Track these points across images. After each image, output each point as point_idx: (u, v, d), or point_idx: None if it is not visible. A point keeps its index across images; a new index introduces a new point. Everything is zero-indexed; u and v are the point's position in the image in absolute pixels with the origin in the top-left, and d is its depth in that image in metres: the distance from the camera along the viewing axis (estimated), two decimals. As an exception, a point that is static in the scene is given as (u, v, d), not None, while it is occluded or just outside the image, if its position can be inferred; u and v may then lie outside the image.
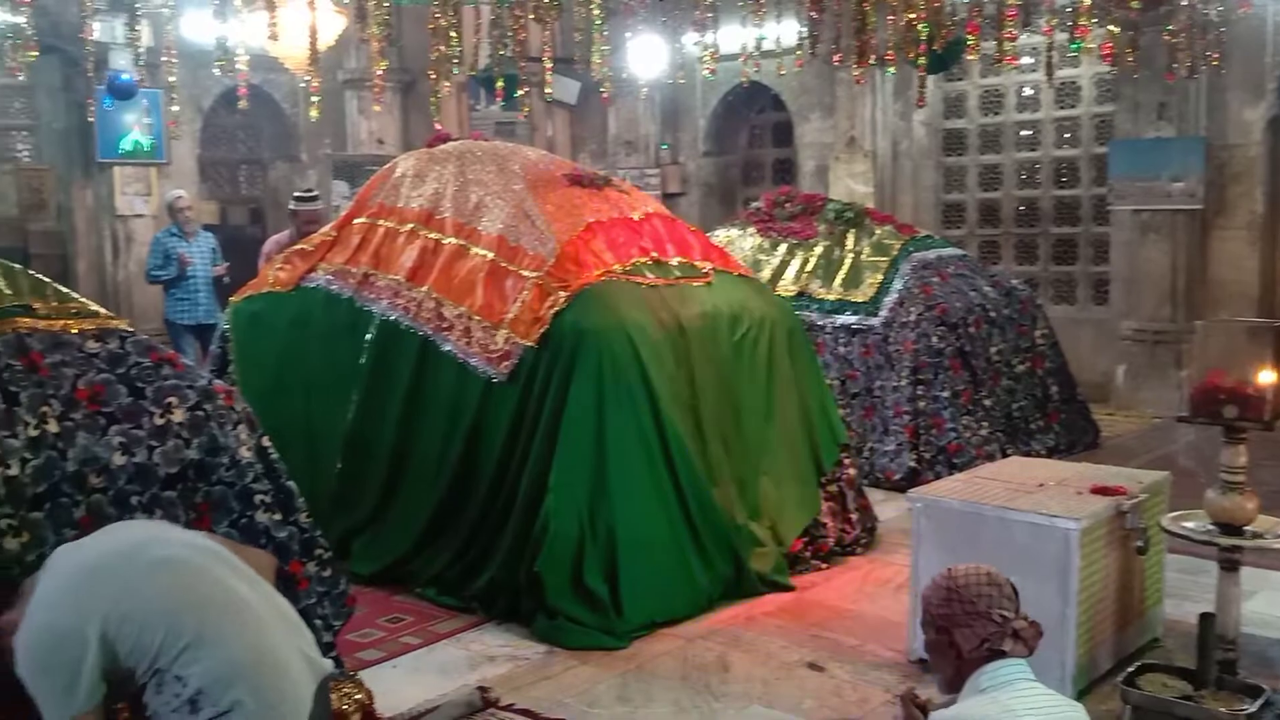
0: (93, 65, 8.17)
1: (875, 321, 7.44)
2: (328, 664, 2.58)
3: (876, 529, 5.99)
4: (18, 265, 3.65)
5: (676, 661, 4.47)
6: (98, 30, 8.57)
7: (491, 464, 5.07)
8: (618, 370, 4.86)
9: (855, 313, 7.54)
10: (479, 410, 5.13)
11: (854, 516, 5.80)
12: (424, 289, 5.53)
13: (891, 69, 7.91)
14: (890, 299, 7.49)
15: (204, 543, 2.68)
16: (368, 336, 5.60)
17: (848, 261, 7.85)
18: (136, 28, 7.44)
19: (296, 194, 8.36)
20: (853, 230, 8.04)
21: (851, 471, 5.92)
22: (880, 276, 7.65)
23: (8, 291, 3.39)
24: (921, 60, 6.90)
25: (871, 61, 6.80)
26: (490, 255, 5.47)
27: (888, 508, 6.30)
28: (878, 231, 8.05)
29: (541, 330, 5.02)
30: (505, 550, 4.90)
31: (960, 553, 3.67)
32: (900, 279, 7.58)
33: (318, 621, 3.48)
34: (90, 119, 10.35)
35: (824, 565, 5.55)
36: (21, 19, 7.22)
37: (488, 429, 5.10)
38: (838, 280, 7.75)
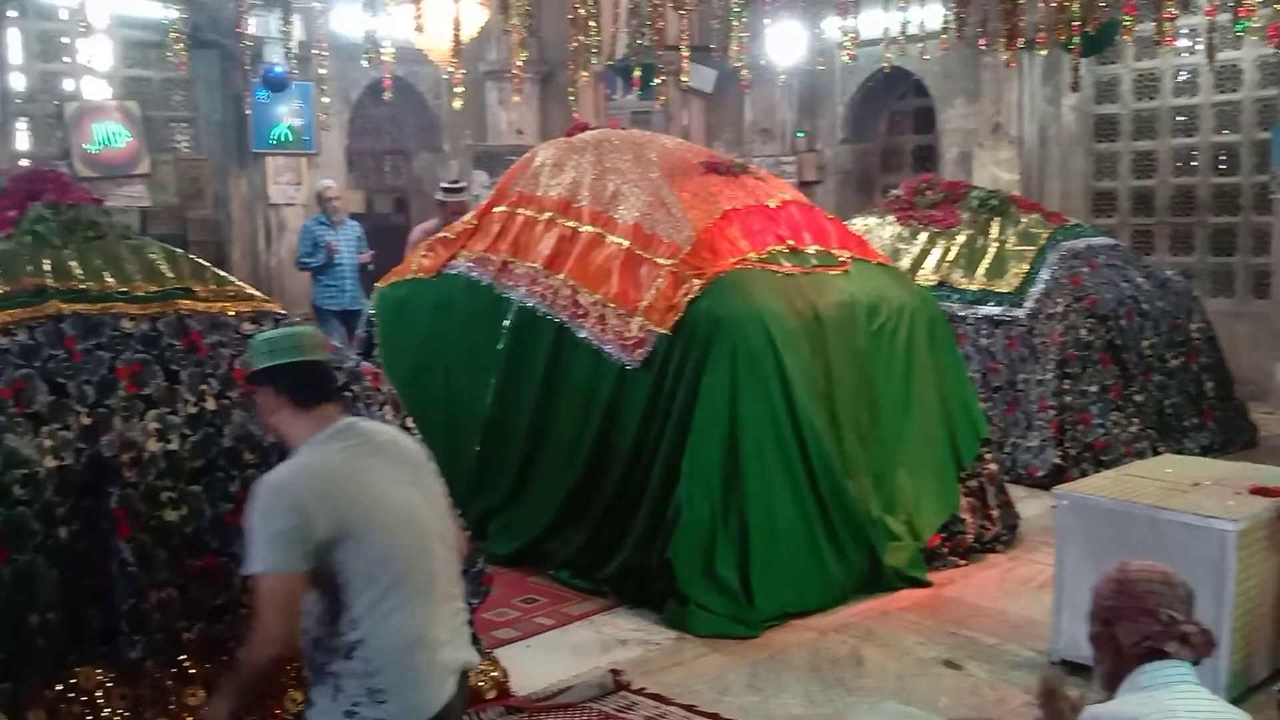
0: (248, 59, 8.51)
1: (1020, 313, 7.21)
2: (475, 657, 2.61)
3: (1018, 526, 5.82)
4: (180, 250, 3.82)
5: (808, 653, 4.43)
6: (253, 25, 8.92)
7: (625, 450, 5.10)
8: (752, 359, 4.83)
9: (999, 303, 7.32)
10: (613, 396, 5.16)
11: (994, 513, 5.65)
12: (561, 276, 5.59)
13: (1043, 51, 7.64)
14: (1036, 289, 7.25)
15: (444, 513, 2.60)
16: (506, 322, 5.70)
17: (992, 251, 7.62)
18: (290, 23, 7.71)
19: (444, 185, 8.55)
20: (997, 218, 7.81)
21: (993, 467, 5.77)
22: (1026, 266, 7.41)
23: (170, 275, 3.56)
24: (1074, 42, 6.65)
25: (1020, 44, 6.57)
26: (626, 243, 5.49)
27: (1030, 505, 6.11)
28: (1024, 220, 7.80)
29: (676, 318, 5.02)
30: (637, 535, 4.93)
31: (1107, 553, 3.53)
32: (1047, 269, 7.32)
33: (456, 599, 3.56)
34: (246, 111, 10.77)
35: (962, 562, 5.42)
36: (180, 14, 7.54)
37: (621, 415, 5.13)
38: (981, 270, 7.54)
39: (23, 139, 10.69)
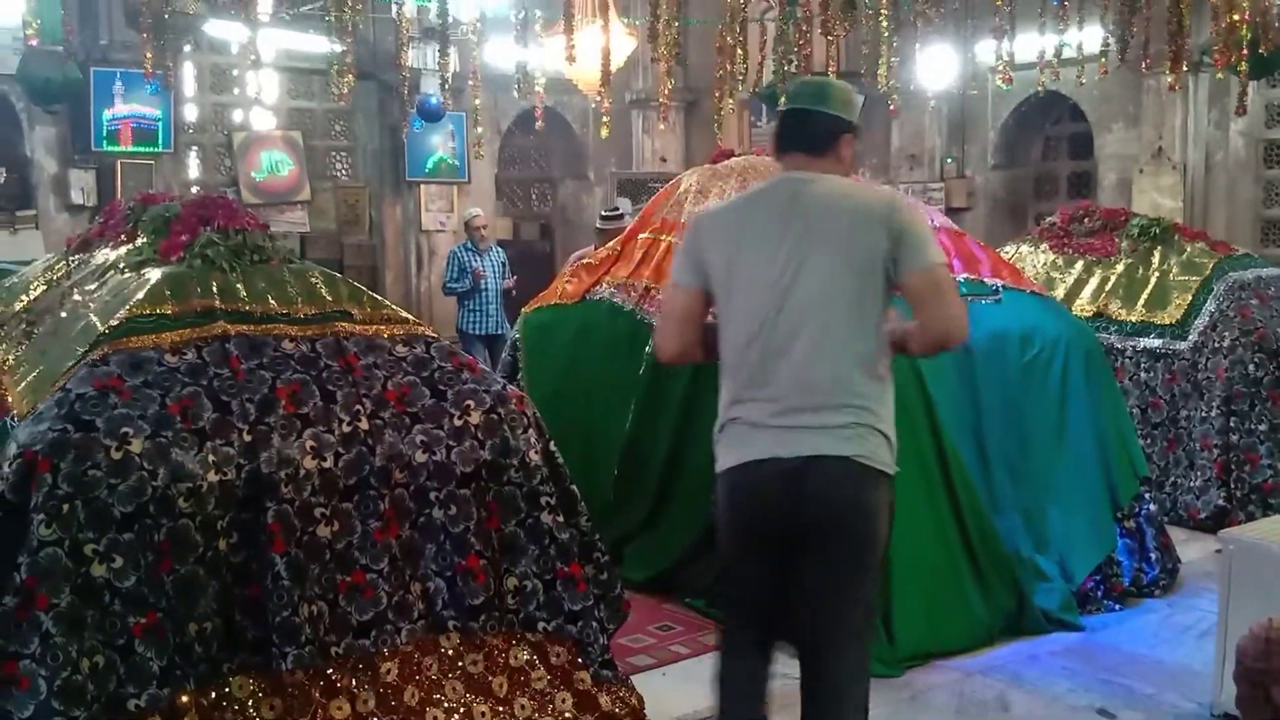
0: (406, 91, 8.82)
1: (1183, 346, 6.88)
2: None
3: (1178, 571, 5.53)
4: (339, 275, 3.96)
5: (951, 695, 4.29)
6: (411, 58, 9.25)
7: (765, 479, 5.03)
8: (898, 389, 4.70)
9: (1160, 335, 7.00)
10: (754, 424, 5.10)
11: (1153, 555, 5.38)
12: (703, 303, 5.57)
13: (1219, 73, 7.30)
14: (1201, 321, 6.90)
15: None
16: (647, 349, 5.71)
17: (1153, 281, 7.30)
18: (446, 56, 7.94)
19: (603, 213, 8.67)
20: (1159, 247, 7.48)
21: (1152, 507, 5.50)
22: (1190, 297, 7.06)
23: (329, 298, 3.69)
24: (1243, 65, 6.35)
25: (1185, 67, 6.31)
26: (770, 270, 5.44)
27: (1191, 548, 5.81)
28: (1188, 249, 7.44)
29: (819, 345, 4.94)
30: (777, 566, 4.86)
31: (1277, 602, 3.32)
32: (1213, 300, 6.97)
33: (594, 624, 3.57)
34: (402, 140, 11.16)
35: (1117, 606, 5.18)
36: (344, 49, 7.86)
37: (763, 444, 5.07)
38: (1141, 300, 7.22)
39: (193, 167, 11.30)
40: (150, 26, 6.80)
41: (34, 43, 6.50)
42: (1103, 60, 7.56)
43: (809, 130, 2.86)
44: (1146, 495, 5.47)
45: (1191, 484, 6.64)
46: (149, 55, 6.83)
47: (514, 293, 9.66)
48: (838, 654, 2.81)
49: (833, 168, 2.87)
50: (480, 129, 10.05)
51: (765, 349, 2.77)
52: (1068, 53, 8.10)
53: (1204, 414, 6.67)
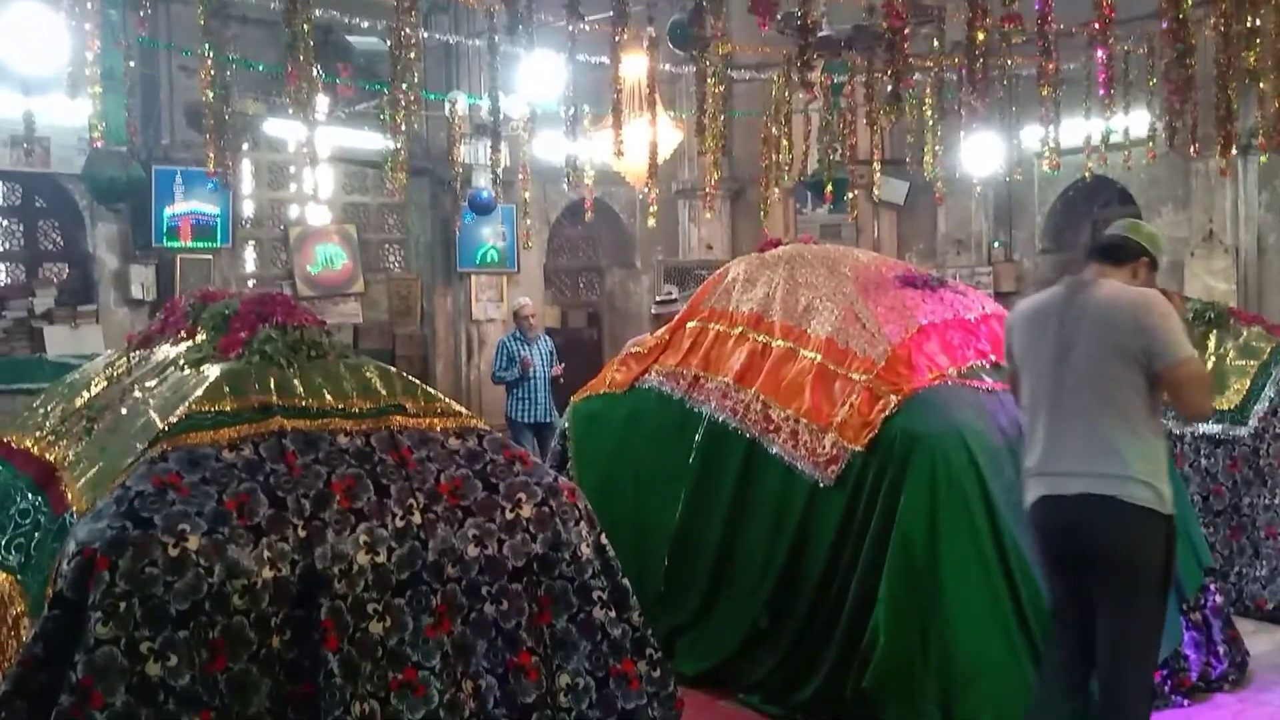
0: (458, 185, 9.01)
1: (1243, 431, 6.73)
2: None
3: (1247, 664, 5.35)
4: (393, 368, 4.01)
5: (1017, 795, 4.13)
6: (463, 154, 9.46)
7: (817, 570, 4.96)
8: (953, 479, 4.66)
9: (1219, 421, 6.86)
10: (805, 514, 5.05)
11: (1221, 649, 5.21)
12: (752, 391, 5.56)
13: (1264, 156, 7.27)
14: (1260, 407, 6.76)
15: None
16: (696, 437, 5.69)
17: (1210, 365, 7.17)
18: (498, 151, 8.10)
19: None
20: (1214, 331, 7.37)
21: (1218, 598, 5.34)
22: (1248, 382, 6.94)
23: (384, 392, 3.73)
24: (1294, 148, 6.32)
25: (1235, 151, 6.29)
26: (819, 357, 5.43)
27: (1260, 640, 5.63)
28: (1244, 333, 7.33)
29: (871, 435, 4.90)
30: (831, 661, 4.76)
31: (1361, 702, 3.20)
32: (1272, 385, 6.83)
33: (647, 722, 3.51)
34: (454, 232, 11.36)
35: (1185, 701, 5.00)
36: (399, 145, 8.06)
37: (814, 534, 5.01)
38: (1197, 386, 7.10)
39: (250, 261, 11.56)
40: (211, 127, 7.02)
41: (99, 144, 6.71)
42: (1150, 145, 7.55)
43: (1117, 248, 3.80)
44: (1212, 586, 5.31)
45: (1258, 573, 6.45)
46: (211, 155, 7.04)
47: (562, 381, 9.70)
48: (1111, 671, 3.48)
49: (1124, 279, 3.68)
50: (530, 220, 10.24)
51: (1050, 413, 3.62)
52: (1114, 138, 8.11)
53: (1268, 501, 6.51)
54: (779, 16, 5.24)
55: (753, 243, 10.22)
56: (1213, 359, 7.23)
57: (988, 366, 5.24)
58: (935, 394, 4.97)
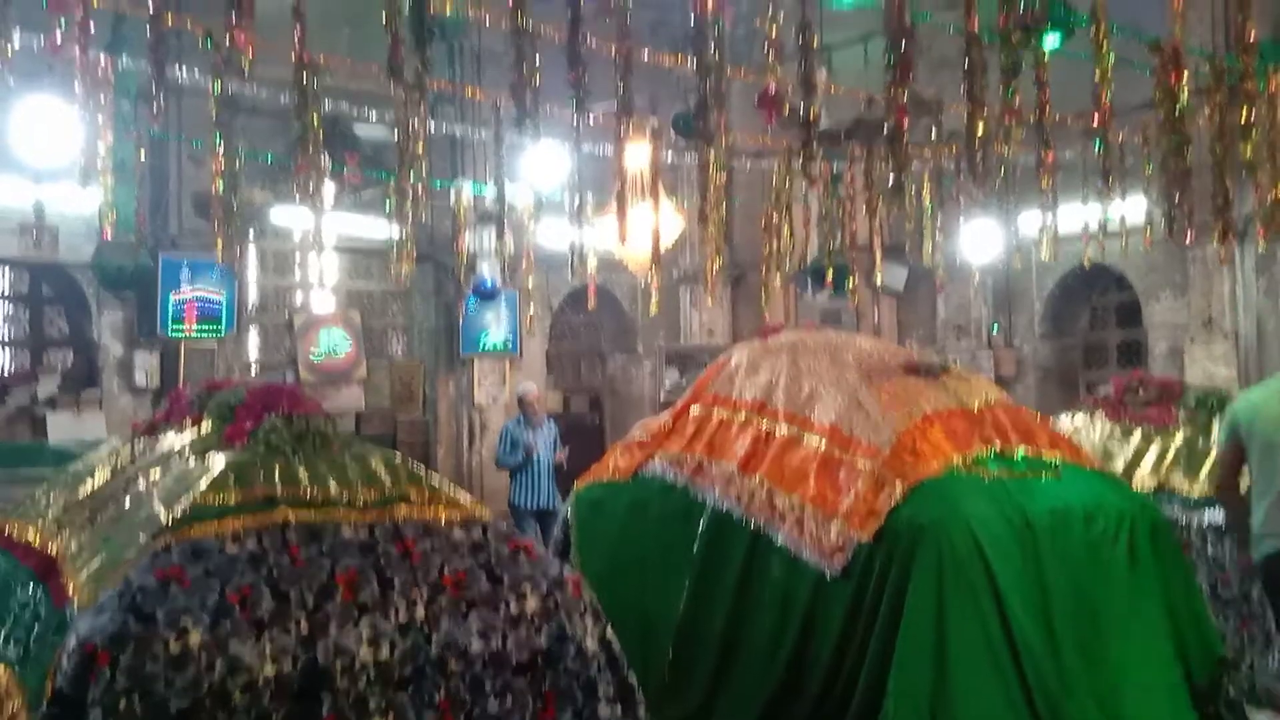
0: (462, 272, 9.08)
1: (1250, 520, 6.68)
2: None
3: (1265, 759, 5.24)
4: (398, 457, 4.00)
5: None
6: (468, 240, 9.56)
7: (824, 661, 4.89)
8: (960, 569, 4.62)
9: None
10: (811, 604, 5.00)
11: (1237, 742, 5.12)
12: (756, 478, 5.54)
13: (1262, 244, 7.34)
14: (1267, 494, 6.73)
15: None
16: (701, 525, 5.65)
17: (1214, 453, 7.16)
18: (503, 240, 8.18)
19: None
20: (1217, 418, 7.37)
21: (1231, 690, 5.25)
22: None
23: (389, 482, 3.72)
24: (1290, 236, 6.39)
25: (1232, 237, 6.36)
26: (823, 445, 5.42)
27: (1277, 734, 5.52)
28: (1248, 420, 7.32)
29: (877, 524, 4.87)
30: (840, 755, 4.68)
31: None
32: (1278, 472, 6.81)
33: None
34: (458, 317, 11.42)
35: (1203, 796, 4.89)
36: (406, 233, 8.14)
37: (820, 624, 4.95)
38: (1203, 473, 7.06)
39: (254, 348, 11.60)
40: (220, 217, 7.10)
41: (109, 235, 6.80)
42: (1147, 232, 7.63)
43: None
44: (1224, 678, 5.23)
45: (1270, 665, 6.35)
46: (219, 244, 7.12)
47: (564, 467, 9.67)
48: None
49: None
50: (533, 307, 10.30)
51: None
52: (1111, 225, 8.19)
53: (1278, 590, 6.43)
54: (785, 114, 5.35)
55: (754, 328, 10.25)
56: (1216, 447, 7.22)
57: (992, 455, 5.23)
58: (941, 482, 4.95)
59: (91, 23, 5.74)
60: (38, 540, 4.01)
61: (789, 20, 5.42)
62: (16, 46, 5.47)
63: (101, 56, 6.63)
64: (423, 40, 4.20)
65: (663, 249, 8.32)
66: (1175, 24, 5.76)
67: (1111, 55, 5.41)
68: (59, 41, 5.19)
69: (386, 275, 10.85)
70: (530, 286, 9.85)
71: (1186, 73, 6.24)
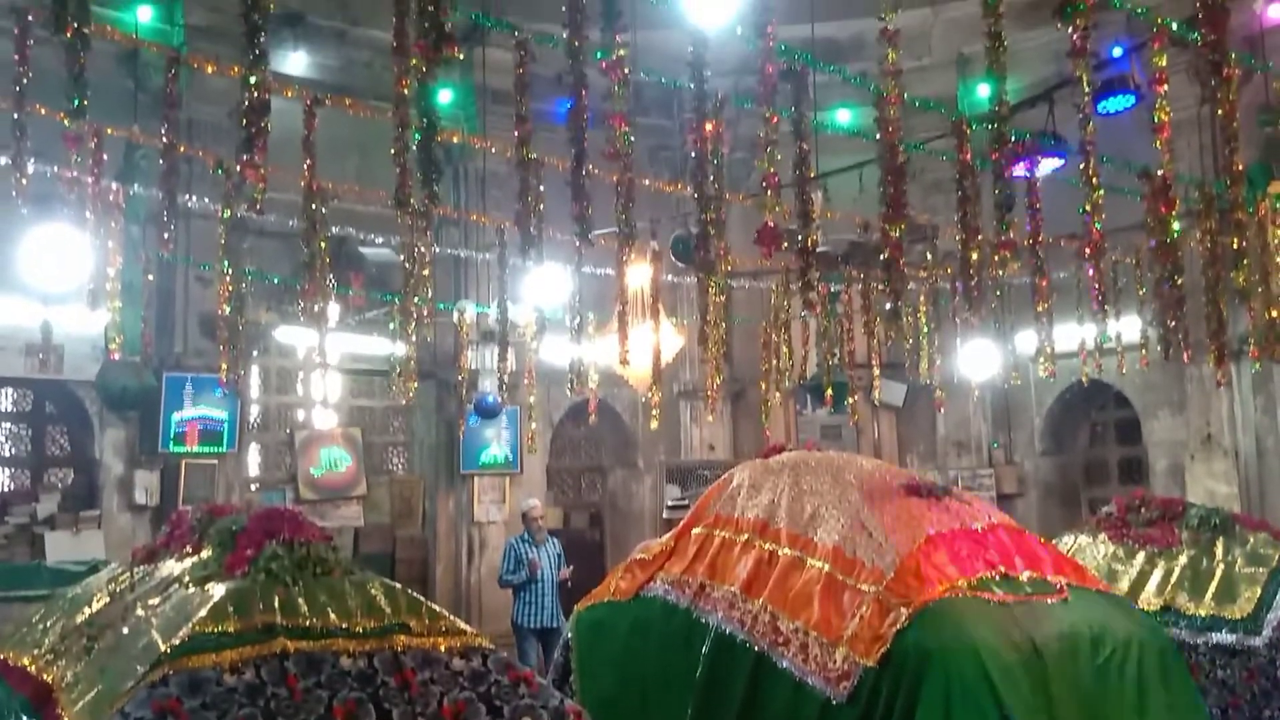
0: (464, 390, 9.14)
1: (1258, 642, 6.59)
2: None
3: None
4: (398, 585, 3.98)
5: None
6: (470, 359, 9.65)
7: (831, 791, 4.79)
8: (967, 696, 4.55)
9: (1233, 631, 6.73)
10: (817, 731, 4.91)
11: None
12: (759, 601, 5.49)
13: (1256, 365, 7.41)
14: (1274, 616, 6.64)
15: None
16: (703, 649, 5.58)
17: (1219, 573, 7.10)
18: (505, 359, 8.27)
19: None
20: (1221, 538, 7.32)
21: (1247, 821, 5.13)
22: (1259, 590, 6.84)
23: (388, 610, 3.69)
24: (1285, 356, 6.45)
25: (1227, 356, 6.42)
26: (827, 567, 5.38)
27: None
28: (1251, 540, 7.28)
29: (882, 649, 4.81)
30: None
31: None
32: (1284, 592, 6.75)
33: None
34: (459, 434, 11.44)
35: None
36: (409, 351, 8.22)
37: (827, 752, 4.86)
38: (1209, 594, 7.00)
39: (254, 465, 11.60)
40: (225, 338, 7.18)
41: (115, 357, 6.87)
42: (1144, 352, 7.70)
43: None
44: (1241, 809, 5.11)
45: (1286, 792, 6.20)
46: (224, 365, 7.18)
47: (569, 584, 9.58)
48: None
49: None
50: (534, 423, 10.33)
51: None
52: (1107, 343, 8.28)
53: (1290, 714, 6.32)
54: (784, 247, 5.47)
55: (754, 443, 10.26)
56: (1221, 566, 7.16)
57: (997, 578, 5.19)
58: (946, 607, 4.90)
59: (105, 153, 5.92)
60: (34, 667, 3.97)
61: (785, 150, 5.57)
62: (30, 172, 5.60)
63: (113, 184, 6.79)
64: (429, 176, 4.32)
65: (663, 364, 8.39)
66: (1165, 157, 5.93)
67: (1101, 190, 5.55)
68: (73, 173, 5.34)
69: (388, 392, 10.93)
70: (532, 403, 9.90)
71: (1177, 204, 6.39)
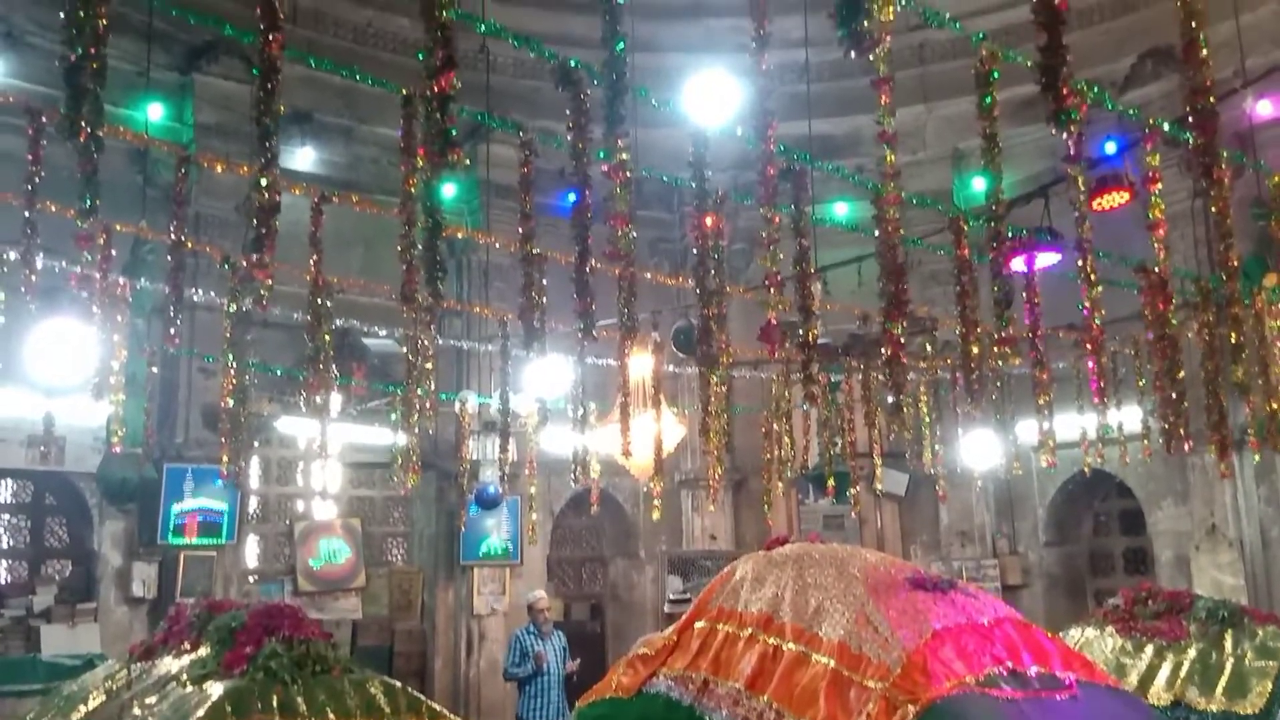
0: (465, 480, 9.13)
1: (1271, 736, 6.51)
2: None
3: None
4: (398, 684, 3.95)
5: None
6: (471, 449, 9.64)
7: None
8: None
9: (1245, 727, 6.64)
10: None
11: None
12: (764, 698, 5.41)
13: (1257, 457, 7.42)
14: (1286, 710, 6.57)
15: None
16: (709, 747, 5.49)
17: (1228, 666, 7.02)
18: (506, 450, 8.27)
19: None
20: (1230, 631, 7.26)
21: None
22: (1270, 684, 6.76)
23: (387, 710, 3.66)
24: (1286, 447, 6.46)
25: (1230, 453, 6.43)
26: (832, 663, 5.31)
27: None
28: (1260, 633, 7.22)
29: (890, 748, 4.73)
30: None
31: None
32: (1295, 686, 6.67)
33: None
34: (459, 525, 11.38)
35: None
36: (410, 442, 8.22)
37: None
38: (1219, 688, 6.91)
39: (253, 556, 11.51)
40: (228, 430, 7.19)
41: (118, 450, 6.87)
42: (1144, 442, 7.71)
43: None
44: None
45: None
46: (225, 458, 7.18)
47: (575, 678, 9.43)
48: None
49: None
50: (535, 513, 10.29)
51: None
52: (1108, 432, 8.28)
53: (1307, 813, 6.20)
54: (787, 345, 5.52)
55: (756, 532, 10.21)
56: (1230, 660, 7.09)
57: (1005, 674, 5.12)
58: (954, 704, 4.82)
59: (114, 249, 6.00)
60: (27, 770, 3.91)
61: (785, 245, 5.65)
62: (39, 268, 5.67)
63: (120, 279, 6.86)
64: (434, 275, 4.38)
65: (665, 455, 8.39)
66: (1161, 254, 6.02)
67: (1100, 287, 5.62)
68: (82, 270, 5.40)
69: (388, 482, 10.89)
70: (533, 494, 9.88)
71: (1174, 297, 6.47)
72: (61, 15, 3.79)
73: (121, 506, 10.33)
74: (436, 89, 3.34)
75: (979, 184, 9.55)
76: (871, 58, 4.08)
